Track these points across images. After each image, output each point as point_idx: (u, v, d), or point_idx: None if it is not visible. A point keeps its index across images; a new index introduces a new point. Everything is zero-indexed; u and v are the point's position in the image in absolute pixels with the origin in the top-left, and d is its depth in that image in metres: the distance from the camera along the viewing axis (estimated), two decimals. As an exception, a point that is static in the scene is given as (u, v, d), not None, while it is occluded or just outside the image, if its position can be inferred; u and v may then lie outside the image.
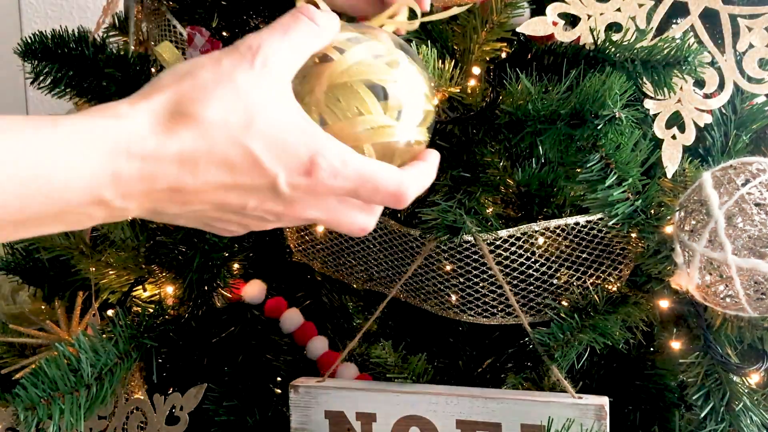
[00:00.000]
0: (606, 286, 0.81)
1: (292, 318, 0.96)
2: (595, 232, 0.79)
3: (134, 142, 0.40)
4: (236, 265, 0.93)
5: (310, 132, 0.44)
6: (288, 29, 0.45)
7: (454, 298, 0.80)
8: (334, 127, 0.46)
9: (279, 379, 0.87)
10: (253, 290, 0.96)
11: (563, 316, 0.75)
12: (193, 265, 0.77)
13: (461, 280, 0.79)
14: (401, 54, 0.49)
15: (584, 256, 0.80)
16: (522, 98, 0.75)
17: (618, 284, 0.82)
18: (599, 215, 0.78)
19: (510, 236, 0.77)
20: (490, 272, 0.78)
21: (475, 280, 0.79)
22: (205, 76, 0.43)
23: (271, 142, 0.42)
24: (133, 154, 0.40)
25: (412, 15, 0.57)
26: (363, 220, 0.47)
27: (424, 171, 0.49)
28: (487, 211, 0.78)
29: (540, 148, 0.76)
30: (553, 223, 0.77)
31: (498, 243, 0.77)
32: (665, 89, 0.75)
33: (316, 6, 0.50)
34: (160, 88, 0.43)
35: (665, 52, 0.73)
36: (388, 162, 0.46)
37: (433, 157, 0.51)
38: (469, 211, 0.77)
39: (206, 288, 0.88)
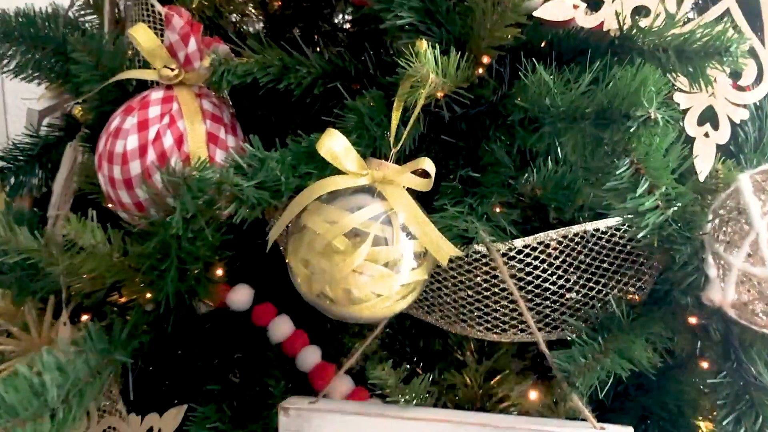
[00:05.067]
0: (628, 299, 0.73)
1: (281, 326, 0.88)
2: (616, 239, 0.71)
3: None
4: (219, 271, 0.85)
5: None
6: None
7: (461, 311, 0.73)
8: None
9: (270, 400, 0.79)
10: (239, 296, 0.89)
11: (583, 337, 0.68)
12: (167, 278, 0.69)
13: (470, 292, 0.71)
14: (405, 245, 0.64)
15: (605, 266, 0.73)
16: (538, 92, 0.67)
17: (639, 297, 0.74)
18: (620, 220, 0.70)
19: (525, 246, 0.69)
20: (502, 284, 0.70)
21: (486, 293, 0.71)
22: None
23: None
24: None
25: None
26: None
27: None
28: (498, 214, 0.69)
29: (559, 149, 0.68)
30: (573, 230, 0.69)
31: (512, 254, 0.69)
32: (701, 82, 0.67)
33: None
34: None
35: (703, 40, 0.65)
36: None
37: None
38: (481, 216, 0.69)
39: (186, 298, 0.80)
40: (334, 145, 0.63)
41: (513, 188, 0.72)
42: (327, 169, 0.67)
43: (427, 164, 0.63)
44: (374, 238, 0.62)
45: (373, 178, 0.64)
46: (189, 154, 0.75)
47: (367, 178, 0.64)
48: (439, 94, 0.71)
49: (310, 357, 0.87)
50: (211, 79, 0.75)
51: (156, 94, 0.78)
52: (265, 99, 0.77)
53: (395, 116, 0.67)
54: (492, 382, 0.78)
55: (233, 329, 0.87)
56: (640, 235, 0.64)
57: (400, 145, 0.67)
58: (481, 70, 0.74)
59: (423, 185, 0.65)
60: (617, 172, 0.61)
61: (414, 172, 0.65)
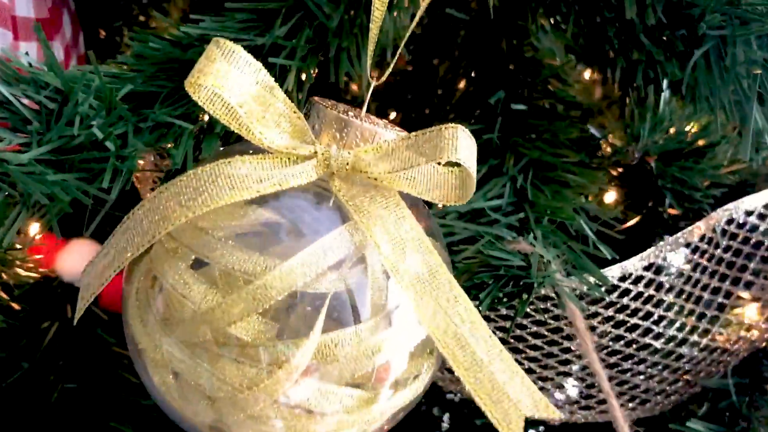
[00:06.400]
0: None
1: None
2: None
3: None
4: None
5: None
6: None
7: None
8: None
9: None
10: (76, 260, 0.54)
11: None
12: None
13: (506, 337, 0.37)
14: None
15: (741, 284, 0.40)
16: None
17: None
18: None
19: (625, 276, 0.35)
20: (565, 341, 0.36)
21: (531, 351, 0.37)
22: None
23: None
24: None
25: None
26: None
27: None
28: (577, 213, 0.34)
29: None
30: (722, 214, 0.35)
31: (597, 294, 0.35)
32: None
33: None
34: None
35: None
36: None
37: None
38: (540, 217, 0.33)
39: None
40: (228, 83, 0.24)
41: (596, 154, 0.36)
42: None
43: (463, 141, 0.25)
44: (330, 308, 0.26)
45: (327, 164, 0.26)
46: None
47: (315, 166, 0.26)
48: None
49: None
50: None
51: None
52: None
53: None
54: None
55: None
56: None
57: (390, 67, 0.29)
58: None
59: (448, 190, 0.27)
60: None
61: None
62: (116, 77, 0.29)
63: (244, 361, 0.26)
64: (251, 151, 0.27)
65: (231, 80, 0.25)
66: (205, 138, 0.30)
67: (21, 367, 0.52)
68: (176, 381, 0.28)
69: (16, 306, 0.50)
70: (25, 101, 0.28)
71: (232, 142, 0.30)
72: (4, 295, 0.49)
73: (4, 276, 0.48)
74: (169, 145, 0.29)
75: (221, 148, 0.30)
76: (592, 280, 0.33)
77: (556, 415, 0.25)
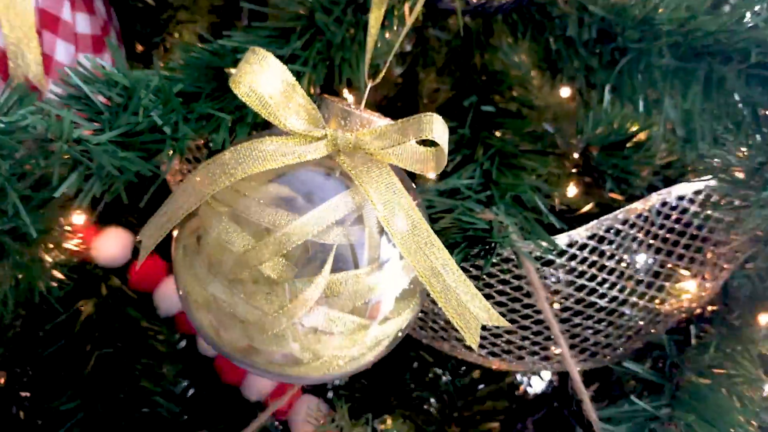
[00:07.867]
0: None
1: (174, 291, 0.62)
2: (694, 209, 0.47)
3: None
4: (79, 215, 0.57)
5: None
6: None
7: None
8: None
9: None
10: (110, 246, 0.61)
11: (643, 374, 0.44)
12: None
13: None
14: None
15: (673, 257, 0.48)
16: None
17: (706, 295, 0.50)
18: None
19: (572, 243, 0.43)
20: (526, 299, 0.44)
21: (498, 306, 0.45)
22: None
23: None
24: None
25: None
26: None
27: None
28: (532, 192, 0.42)
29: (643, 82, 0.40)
30: (651, 200, 0.44)
31: (550, 257, 0.43)
32: None
33: None
34: None
35: None
36: None
37: None
38: (503, 194, 0.42)
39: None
40: (261, 81, 0.33)
41: (549, 145, 0.44)
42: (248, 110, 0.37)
43: (437, 125, 0.34)
44: (336, 256, 0.34)
45: (334, 143, 0.34)
46: (5, 51, 0.43)
47: (325, 144, 0.34)
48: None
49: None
50: None
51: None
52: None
53: (375, 14, 0.37)
54: None
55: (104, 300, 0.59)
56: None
57: (382, 72, 0.37)
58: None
59: (426, 163, 0.35)
60: None
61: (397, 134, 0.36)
62: (169, 79, 0.37)
63: (271, 293, 0.34)
64: (276, 134, 0.35)
65: (263, 78, 0.33)
66: (239, 126, 0.38)
67: (60, 339, 0.59)
68: (215, 315, 0.36)
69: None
70: (100, 98, 0.36)
71: (259, 131, 0.39)
72: (60, 275, 0.55)
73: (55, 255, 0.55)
74: (208, 135, 0.37)
75: (250, 134, 0.38)
76: (544, 244, 0.42)
77: (504, 324, 0.34)
